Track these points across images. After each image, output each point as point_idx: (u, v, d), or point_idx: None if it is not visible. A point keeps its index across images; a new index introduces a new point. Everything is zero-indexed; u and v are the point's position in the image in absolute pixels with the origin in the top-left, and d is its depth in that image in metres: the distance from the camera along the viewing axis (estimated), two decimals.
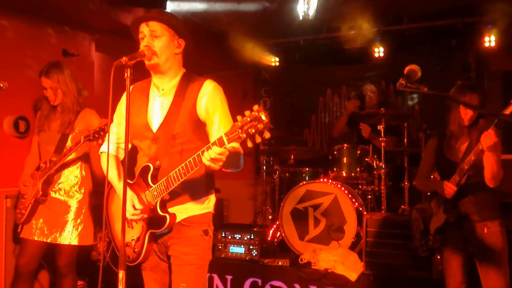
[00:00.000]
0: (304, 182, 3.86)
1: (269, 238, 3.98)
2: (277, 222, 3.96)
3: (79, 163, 2.92)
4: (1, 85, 2.70)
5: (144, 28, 1.91)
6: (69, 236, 2.82)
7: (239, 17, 4.37)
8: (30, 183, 2.87)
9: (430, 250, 2.71)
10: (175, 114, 1.92)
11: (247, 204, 5.67)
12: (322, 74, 5.58)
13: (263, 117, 1.49)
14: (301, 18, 4.13)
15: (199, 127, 1.94)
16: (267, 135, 1.51)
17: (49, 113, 2.92)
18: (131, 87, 1.88)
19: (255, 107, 1.52)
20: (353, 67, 5.38)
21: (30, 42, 3.64)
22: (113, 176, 2.02)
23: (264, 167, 4.95)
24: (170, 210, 1.92)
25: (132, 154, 2.05)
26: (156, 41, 1.90)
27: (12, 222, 3.34)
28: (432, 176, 2.78)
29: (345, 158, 4.03)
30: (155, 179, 1.90)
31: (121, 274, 1.68)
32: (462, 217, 2.53)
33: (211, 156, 1.63)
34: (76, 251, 2.91)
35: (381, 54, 5.04)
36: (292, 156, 4.45)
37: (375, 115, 3.86)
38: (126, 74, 1.72)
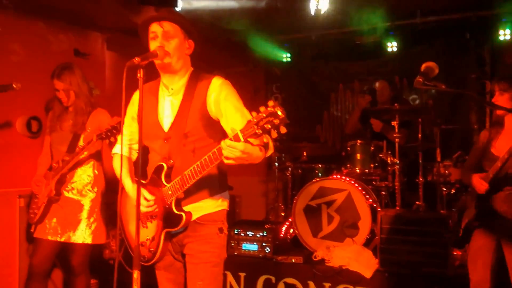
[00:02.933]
0: (317, 179, 3.83)
1: (282, 235, 3.96)
2: (290, 219, 3.94)
3: (91, 162, 2.94)
4: (15, 86, 2.76)
5: (156, 28, 1.90)
6: (83, 235, 2.84)
7: (250, 13, 4.35)
8: (43, 183, 2.88)
9: (459, 242, 2.67)
10: (185, 113, 1.93)
11: (259, 201, 5.66)
12: (334, 70, 5.53)
13: (279, 112, 1.47)
14: (313, 13, 4.08)
15: (210, 125, 1.94)
16: (283, 130, 1.49)
17: (61, 113, 2.95)
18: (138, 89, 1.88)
19: (270, 103, 1.50)
20: (366, 62, 5.33)
21: (41, 42, 3.68)
22: (125, 177, 2.02)
23: (276, 164, 4.93)
24: (185, 208, 1.92)
25: (143, 155, 2.02)
26: (170, 41, 1.90)
27: (25, 221, 3.37)
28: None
29: (358, 154, 3.99)
30: (168, 178, 1.91)
31: (136, 274, 1.68)
32: (493, 213, 2.47)
33: (225, 150, 1.60)
34: (89, 250, 2.93)
35: (394, 49, 4.98)
36: (304, 152, 4.42)
37: (388, 110, 3.81)
38: (138, 74, 1.72)
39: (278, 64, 5.67)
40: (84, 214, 2.87)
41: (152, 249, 1.96)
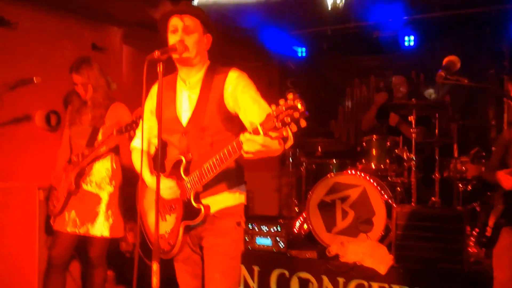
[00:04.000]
0: (332, 174, 3.81)
1: (295, 230, 3.97)
2: (304, 214, 3.94)
3: (110, 156, 2.97)
4: (35, 80, 2.79)
5: (177, 22, 1.90)
6: (101, 228, 2.87)
7: (265, 7, 4.33)
8: (62, 176, 2.93)
9: (487, 242, 2.64)
10: (203, 107, 1.93)
11: (272, 196, 5.65)
12: (349, 64, 5.48)
13: (299, 106, 1.44)
14: (329, 7, 4.04)
15: (228, 118, 1.94)
16: (303, 123, 1.46)
17: (80, 107, 2.98)
18: (156, 84, 1.93)
19: (290, 95, 1.47)
20: (382, 57, 5.27)
21: (59, 36, 3.70)
22: (145, 170, 2.04)
23: (290, 159, 4.92)
24: (203, 201, 1.93)
25: (162, 149, 2.02)
26: (190, 36, 1.90)
27: (45, 214, 3.42)
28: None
29: (374, 150, 3.94)
30: (187, 171, 1.92)
31: (155, 267, 1.69)
32: None
33: (244, 145, 1.58)
34: (107, 242, 2.97)
35: (411, 43, 4.91)
36: (319, 147, 4.40)
37: (405, 105, 3.76)
38: (158, 68, 1.72)
39: (293, 58, 5.64)
40: (102, 207, 2.89)
41: (171, 242, 1.98)
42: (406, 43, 4.94)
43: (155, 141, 2.12)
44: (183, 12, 1.90)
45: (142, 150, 1.92)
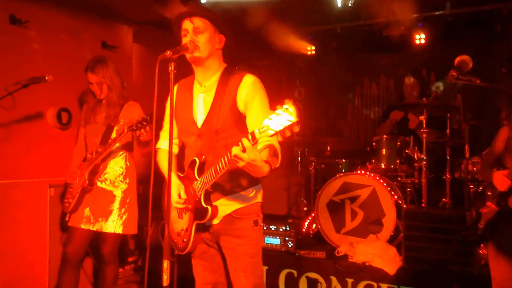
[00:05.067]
0: (341, 174, 3.79)
1: (304, 230, 3.96)
2: (313, 214, 3.92)
3: (124, 154, 2.99)
4: (47, 77, 2.82)
5: (187, 25, 1.98)
6: (114, 225, 2.90)
7: (274, 5, 4.30)
8: (77, 174, 2.96)
9: (478, 240, 2.62)
10: (217, 110, 1.99)
11: (281, 195, 5.63)
12: (359, 63, 5.43)
13: (293, 112, 1.52)
14: (339, 5, 4.01)
15: (241, 120, 1.99)
16: (296, 129, 1.55)
17: (95, 106, 3.00)
18: (176, 86, 2.07)
19: (286, 101, 1.55)
20: (392, 55, 5.21)
21: (70, 34, 3.70)
22: (165, 170, 2.08)
23: (299, 158, 4.90)
24: (218, 202, 2.00)
25: (181, 150, 2.18)
26: (199, 36, 1.97)
27: (55, 210, 3.46)
28: (495, 168, 2.66)
29: (384, 150, 3.92)
30: (201, 172, 1.98)
31: (165, 264, 1.73)
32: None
33: (236, 154, 1.67)
34: (120, 239, 2.99)
35: (422, 41, 4.85)
36: (328, 147, 4.38)
37: (416, 105, 3.72)
38: (170, 68, 1.76)
39: (302, 57, 5.60)
40: (116, 204, 2.91)
41: (185, 240, 2.06)
42: (417, 41, 4.88)
43: (177, 141, 2.20)
44: (192, 15, 1.97)
45: (170, 150, 1.97)
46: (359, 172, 3.84)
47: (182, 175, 2.08)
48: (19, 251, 3.30)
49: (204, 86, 2.06)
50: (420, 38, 4.86)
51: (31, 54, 3.42)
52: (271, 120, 1.56)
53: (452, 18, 4.69)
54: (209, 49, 1.99)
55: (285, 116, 1.53)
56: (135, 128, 2.53)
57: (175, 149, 2.22)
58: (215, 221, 2.04)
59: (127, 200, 2.96)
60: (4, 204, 3.22)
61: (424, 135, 3.65)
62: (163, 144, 2.24)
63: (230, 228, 2.03)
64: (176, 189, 2.01)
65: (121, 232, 2.92)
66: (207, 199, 1.97)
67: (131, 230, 3.00)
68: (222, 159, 1.81)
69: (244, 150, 1.65)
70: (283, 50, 5.09)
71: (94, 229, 2.90)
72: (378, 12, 4.64)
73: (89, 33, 3.87)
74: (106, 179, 2.93)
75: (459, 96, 4.88)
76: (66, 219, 3.01)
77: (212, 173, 1.87)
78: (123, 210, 2.93)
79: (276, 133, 1.57)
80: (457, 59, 2.10)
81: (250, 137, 1.65)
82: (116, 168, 2.96)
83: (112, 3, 3.75)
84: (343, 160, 4.25)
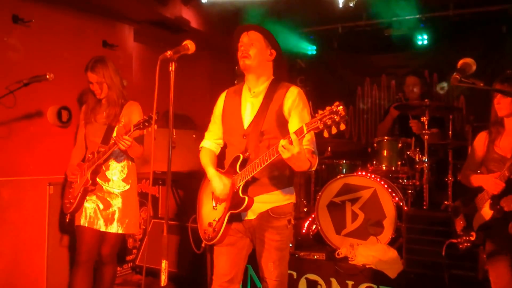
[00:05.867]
0: (342, 175, 3.77)
1: (304, 231, 3.93)
2: (313, 215, 3.90)
3: (125, 154, 2.96)
4: (48, 76, 2.82)
5: (244, 37, 2.27)
6: (116, 225, 2.89)
7: (274, 4, 4.28)
8: (78, 173, 2.95)
9: (472, 246, 2.59)
10: (263, 114, 2.21)
11: None
12: (361, 63, 5.38)
13: (341, 111, 1.72)
14: (341, 5, 3.98)
15: (285, 126, 2.19)
16: (342, 126, 1.75)
17: (95, 106, 3.00)
18: (225, 91, 2.41)
19: (336, 103, 1.74)
20: (394, 55, 5.17)
21: (70, 33, 3.71)
22: (207, 165, 2.34)
23: None
24: (259, 198, 2.17)
25: (223, 149, 2.43)
26: (252, 47, 2.24)
27: (55, 209, 3.46)
28: (478, 171, 2.66)
29: (385, 151, 3.87)
30: (243, 167, 2.17)
31: (164, 264, 1.77)
32: (508, 213, 2.39)
33: (284, 144, 1.83)
34: (120, 239, 3.00)
35: (425, 42, 4.82)
36: (328, 147, 4.35)
37: (418, 106, 3.69)
38: (170, 68, 1.80)
39: (302, 56, 5.57)
40: (118, 204, 2.91)
41: (216, 229, 2.23)
42: (419, 42, 4.85)
43: (221, 142, 2.47)
44: (248, 29, 2.28)
45: (209, 149, 2.46)
46: (360, 173, 3.82)
47: (223, 171, 2.27)
48: (17, 248, 3.29)
49: (254, 92, 2.29)
50: (422, 39, 4.82)
51: (33, 53, 3.43)
52: (319, 119, 1.75)
53: (456, 19, 4.64)
54: (259, 59, 2.24)
55: (333, 114, 1.71)
56: (142, 126, 2.53)
57: (217, 149, 2.45)
58: (251, 216, 2.22)
59: (129, 200, 2.95)
60: (2, 202, 3.21)
61: (426, 137, 3.62)
62: (206, 143, 2.46)
63: (266, 225, 2.21)
64: (219, 180, 2.20)
65: (122, 232, 2.91)
66: (245, 191, 2.14)
67: (133, 229, 3.00)
68: (269, 150, 1.97)
69: (291, 143, 1.82)
70: (284, 50, 5.05)
71: (98, 228, 2.88)
72: (380, 12, 4.61)
73: (90, 32, 3.88)
74: (108, 179, 2.92)
75: (462, 98, 4.84)
76: (67, 220, 2.99)
77: (256, 164, 2.04)
78: (125, 209, 2.92)
79: (323, 129, 1.75)
80: (460, 62, 2.09)
81: (298, 131, 1.82)
82: (118, 167, 2.95)
83: (113, 3, 3.75)
84: (344, 161, 4.21)
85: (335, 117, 1.72)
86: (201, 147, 2.48)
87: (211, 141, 2.45)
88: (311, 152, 2.13)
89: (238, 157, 2.19)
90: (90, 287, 2.94)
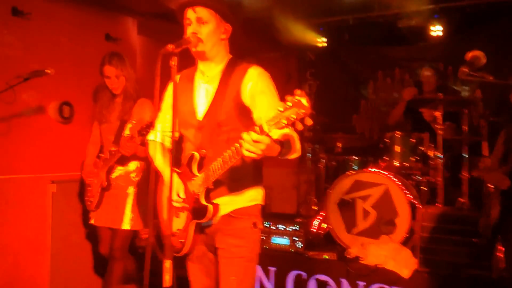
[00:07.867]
0: (353, 172, 3.67)
1: (314, 230, 3.84)
2: (323, 213, 3.82)
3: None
4: (48, 71, 2.80)
5: (190, 14, 1.87)
6: (126, 221, 2.95)
7: None
8: (93, 173, 3.02)
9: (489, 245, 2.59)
10: (220, 101, 1.89)
11: (290, 193, 5.51)
12: (373, 56, 5.26)
13: (305, 103, 1.40)
14: None
15: (245, 115, 1.88)
16: (309, 121, 1.43)
17: (109, 103, 3.03)
18: (178, 76, 1.92)
19: (297, 92, 1.43)
20: (407, 48, 5.03)
21: (73, 26, 3.66)
22: (160, 164, 2.02)
23: (308, 155, 4.78)
24: (218, 200, 1.88)
25: (179, 143, 2.03)
26: (202, 27, 1.86)
27: (59, 207, 3.44)
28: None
29: (398, 147, 3.76)
30: (200, 168, 1.88)
31: (168, 264, 1.67)
32: None
33: (245, 144, 1.53)
34: (130, 235, 3.04)
35: (439, 34, 4.67)
36: (339, 143, 4.26)
37: (433, 100, 3.56)
38: (172, 62, 1.69)
39: (312, 49, 5.44)
40: (129, 200, 2.97)
41: (182, 240, 1.94)
42: (433, 34, 4.70)
43: (176, 134, 2.07)
44: (194, 4, 1.86)
45: (172, 149, 1.85)
46: (371, 170, 3.70)
47: (179, 171, 1.94)
48: (20, 246, 3.26)
49: (207, 76, 1.95)
50: (436, 31, 4.67)
51: (34, 47, 3.37)
52: (281, 112, 1.44)
53: (471, 10, 4.49)
54: (213, 41, 1.88)
55: (297, 107, 1.41)
56: (144, 133, 2.53)
57: (168, 143, 2.09)
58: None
59: (138, 197, 3.00)
60: (3, 200, 3.17)
61: (440, 132, 3.51)
62: (155, 136, 2.11)
63: (227, 228, 1.90)
64: (175, 187, 1.89)
65: (129, 228, 2.96)
66: (207, 197, 1.86)
67: (138, 226, 3.02)
68: (231, 150, 1.69)
69: (262, 130, 1.51)
70: (293, 42, 4.94)
71: (110, 225, 2.96)
72: (393, 2, 4.48)
73: (92, 25, 3.82)
74: (120, 176, 2.99)
75: (478, 91, 4.69)
76: (90, 217, 3.07)
77: (218, 166, 1.76)
78: (134, 206, 2.97)
79: (286, 126, 1.45)
80: (470, 54, 1.98)
81: (258, 129, 1.51)
82: (129, 165, 3.00)
83: None
84: (355, 157, 4.12)
85: (299, 110, 1.41)
86: (148, 140, 2.16)
87: (160, 133, 2.10)
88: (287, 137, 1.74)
89: (193, 156, 1.89)
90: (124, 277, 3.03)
